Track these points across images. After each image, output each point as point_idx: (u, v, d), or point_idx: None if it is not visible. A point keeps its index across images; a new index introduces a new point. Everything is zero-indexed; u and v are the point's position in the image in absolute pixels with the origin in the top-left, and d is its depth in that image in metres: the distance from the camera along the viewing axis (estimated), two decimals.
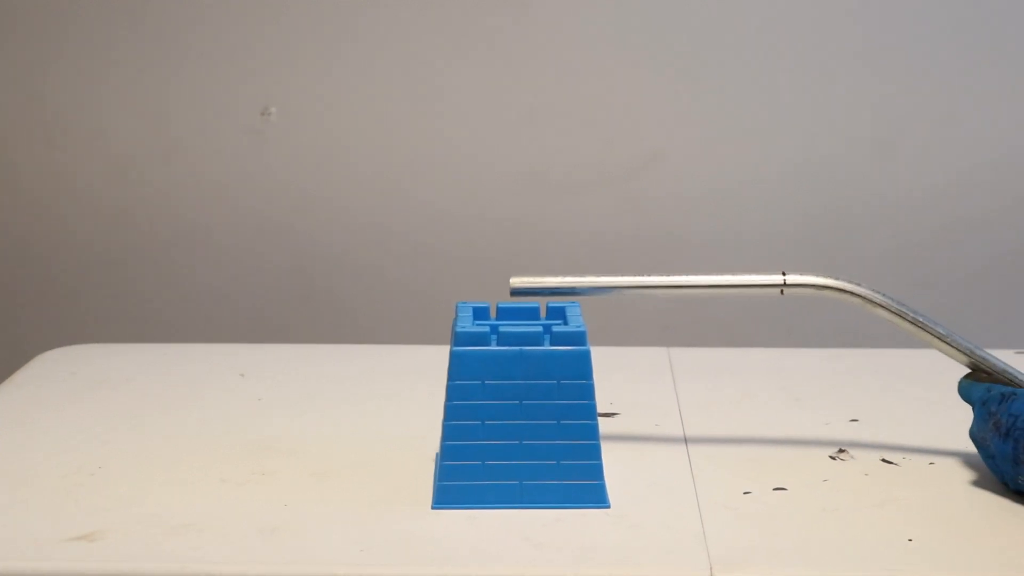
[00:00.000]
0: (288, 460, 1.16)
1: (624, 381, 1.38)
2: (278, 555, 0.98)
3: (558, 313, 1.12)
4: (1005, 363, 1.11)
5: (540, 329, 1.07)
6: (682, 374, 1.41)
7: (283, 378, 1.39)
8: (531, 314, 1.12)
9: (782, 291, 1.12)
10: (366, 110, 2.00)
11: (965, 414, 1.25)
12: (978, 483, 1.11)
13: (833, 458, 1.17)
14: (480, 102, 2.00)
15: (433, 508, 1.05)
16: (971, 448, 1.17)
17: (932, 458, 1.16)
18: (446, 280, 2.03)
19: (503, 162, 2.01)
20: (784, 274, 1.12)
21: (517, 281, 1.12)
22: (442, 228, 2.03)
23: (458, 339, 1.06)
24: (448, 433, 1.06)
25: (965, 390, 1.10)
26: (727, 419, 1.28)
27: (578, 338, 1.06)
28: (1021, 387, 1.08)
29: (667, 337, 1.99)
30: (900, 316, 1.11)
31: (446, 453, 1.06)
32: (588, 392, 1.06)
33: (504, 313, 1.12)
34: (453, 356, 1.06)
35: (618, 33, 1.99)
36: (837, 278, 1.12)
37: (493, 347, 1.06)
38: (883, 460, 1.17)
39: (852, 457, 1.17)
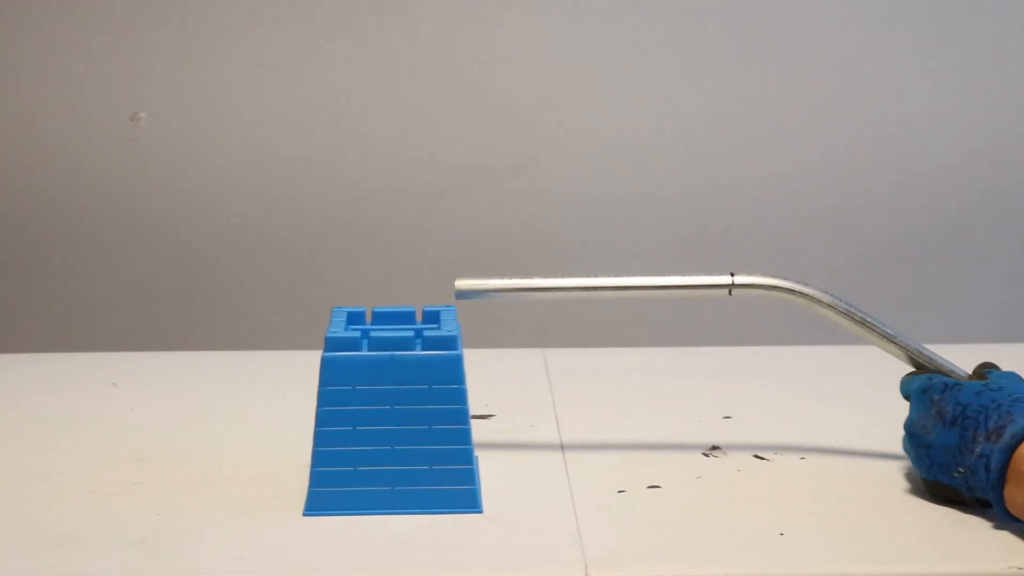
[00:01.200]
0: (161, 469, 1.14)
1: (500, 383, 1.38)
2: (151, 565, 0.97)
3: (433, 317, 1.12)
4: (950, 362, 1.11)
5: (411, 334, 1.06)
6: (557, 375, 1.41)
7: (157, 386, 1.38)
8: (407, 319, 1.11)
9: (730, 291, 1.11)
10: (238, 114, 1.99)
11: (835, 409, 1.27)
12: (847, 477, 1.13)
13: (706, 455, 1.18)
14: (355, 105, 2.00)
15: (305, 515, 1.05)
16: (841, 443, 1.19)
17: (803, 453, 1.18)
18: (325, 284, 2.03)
19: (379, 165, 2.01)
20: (732, 275, 1.11)
21: (462, 284, 1.11)
22: (319, 232, 2.02)
23: (328, 344, 1.05)
24: (319, 439, 1.05)
25: (906, 384, 1.11)
26: (602, 419, 1.28)
27: (450, 342, 1.06)
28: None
29: (543, 339, 2.00)
30: (848, 316, 1.11)
31: (317, 459, 1.05)
32: (460, 397, 1.06)
33: (379, 318, 1.12)
34: (323, 362, 1.05)
35: (494, 35, 1.99)
36: (785, 278, 1.12)
37: (364, 352, 1.05)
38: (755, 456, 1.18)
39: (725, 454, 1.19)
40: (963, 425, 1.03)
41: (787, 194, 2.06)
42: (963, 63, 2.04)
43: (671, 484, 1.11)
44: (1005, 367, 1.10)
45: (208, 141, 1.99)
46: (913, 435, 1.07)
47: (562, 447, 1.20)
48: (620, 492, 1.10)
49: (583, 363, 1.47)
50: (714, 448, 1.20)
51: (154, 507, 1.07)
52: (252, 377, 1.42)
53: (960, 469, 1.02)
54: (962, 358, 1.11)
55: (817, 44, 2.02)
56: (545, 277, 1.13)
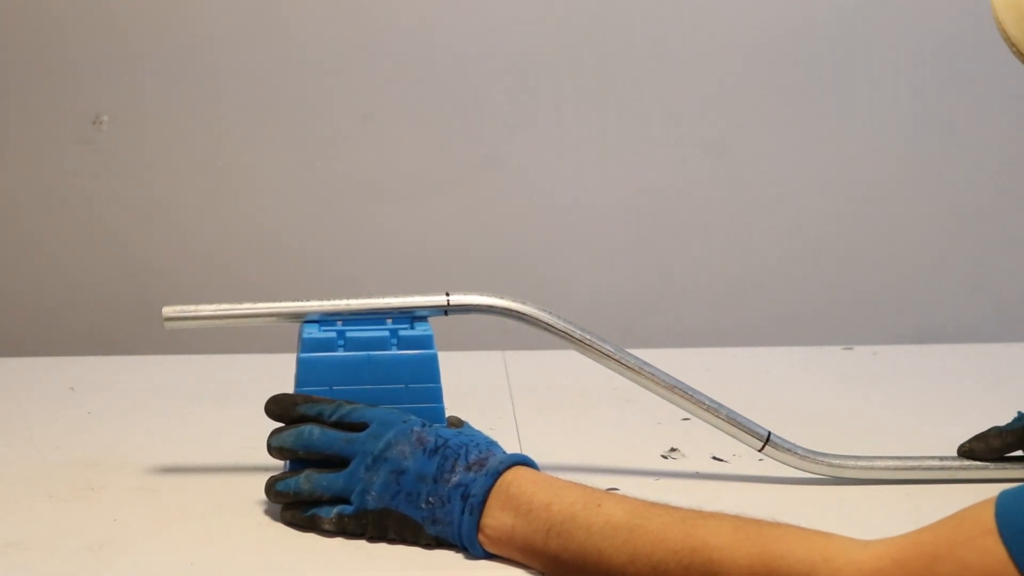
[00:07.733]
0: (118, 474, 1.14)
1: (460, 385, 1.37)
2: (107, 571, 0.97)
3: (405, 318, 1.11)
4: (666, 374, 1.12)
5: (387, 334, 1.06)
6: (517, 377, 1.42)
7: (114, 391, 1.37)
8: (379, 320, 1.11)
9: (446, 312, 1.10)
10: (200, 119, 1.98)
11: (792, 411, 1.27)
12: (805, 478, 1.13)
13: (665, 457, 1.19)
14: (311, 107, 2.00)
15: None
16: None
17: (760, 455, 1.18)
18: (284, 287, 2.02)
19: (338, 169, 2.01)
20: (448, 295, 1.10)
21: (169, 311, 1.09)
22: (281, 235, 2.02)
23: (304, 345, 1.05)
24: None
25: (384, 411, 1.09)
26: (561, 421, 1.29)
27: (425, 342, 1.06)
28: None
29: (504, 341, 2.00)
30: (567, 336, 1.11)
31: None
32: (436, 395, 1.06)
33: (351, 319, 1.11)
34: (300, 363, 1.05)
35: (452, 37, 1.99)
36: (502, 296, 1.10)
37: (340, 353, 1.06)
38: (713, 458, 1.18)
39: (683, 456, 1.19)
40: (444, 454, 1.01)
41: (750, 198, 2.06)
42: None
43: (629, 486, 1.11)
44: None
45: (168, 144, 1.98)
46: (388, 459, 1.03)
47: (521, 449, 1.20)
48: None
49: (542, 365, 1.47)
50: (672, 450, 1.20)
51: (110, 512, 1.06)
52: (209, 381, 1.41)
53: (430, 499, 1.00)
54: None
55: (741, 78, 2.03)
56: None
